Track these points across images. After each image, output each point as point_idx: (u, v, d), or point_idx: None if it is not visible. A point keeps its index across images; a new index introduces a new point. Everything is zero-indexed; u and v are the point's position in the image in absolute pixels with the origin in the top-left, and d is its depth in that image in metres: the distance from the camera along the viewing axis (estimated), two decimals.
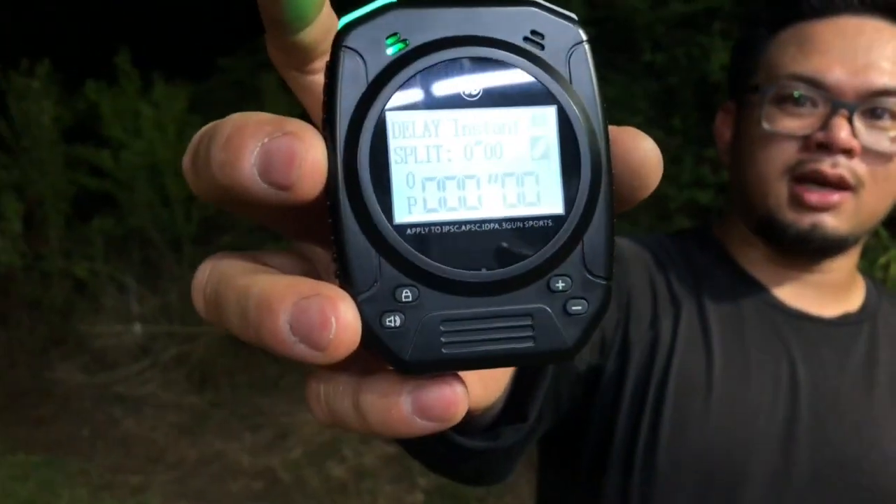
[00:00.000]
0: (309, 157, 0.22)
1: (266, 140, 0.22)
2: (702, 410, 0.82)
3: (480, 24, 0.24)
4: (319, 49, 0.28)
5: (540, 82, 0.24)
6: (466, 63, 0.24)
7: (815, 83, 0.83)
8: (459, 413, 0.25)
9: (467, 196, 0.24)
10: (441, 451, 0.41)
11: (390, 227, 0.23)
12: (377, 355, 0.24)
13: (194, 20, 7.71)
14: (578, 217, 0.24)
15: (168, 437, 4.27)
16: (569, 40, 0.25)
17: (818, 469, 0.81)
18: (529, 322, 0.24)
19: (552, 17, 0.25)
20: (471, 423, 0.42)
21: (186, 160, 0.27)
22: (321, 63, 0.27)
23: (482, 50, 0.24)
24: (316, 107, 0.28)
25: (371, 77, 0.23)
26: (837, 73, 0.82)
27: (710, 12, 4.01)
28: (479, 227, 0.24)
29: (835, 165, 0.81)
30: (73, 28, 8.06)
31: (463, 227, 0.24)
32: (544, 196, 0.24)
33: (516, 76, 0.24)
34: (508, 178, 0.24)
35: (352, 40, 0.24)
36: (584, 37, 0.25)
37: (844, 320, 0.91)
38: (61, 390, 5.00)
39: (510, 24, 0.24)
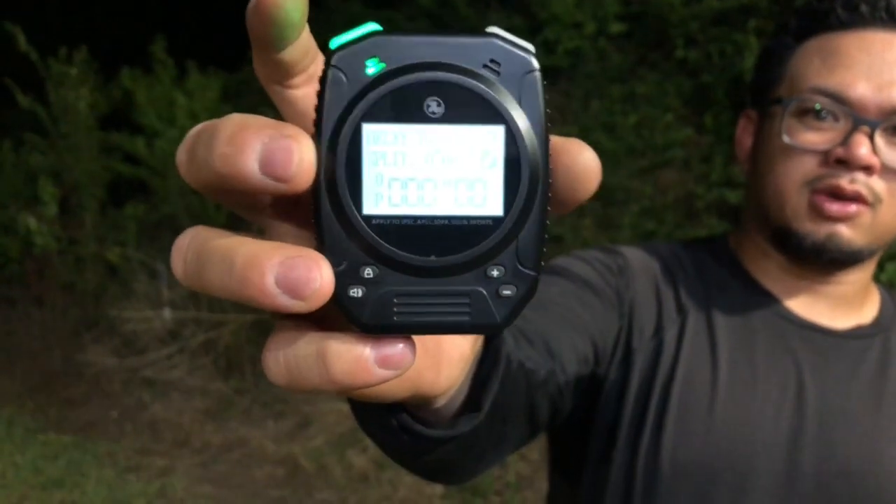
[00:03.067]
0: (305, 156, 0.27)
1: (268, 140, 0.27)
2: (706, 418, 0.82)
3: (447, 51, 0.29)
4: (299, 67, 0.31)
5: (492, 104, 0.28)
6: (432, 85, 0.28)
7: (837, 98, 0.82)
8: (408, 363, 0.29)
9: (425, 195, 0.28)
10: (405, 440, 0.43)
11: (359, 218, 0.28)
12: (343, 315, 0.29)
13: (228, 11, 7.77)
14: (515, 219, 0.29)
15: (194, 421, 4.34)
16: (522, 68, 0.29)
17: (823, 480, 0.80)
18: (467, 300, 0.29)
19: (510, 47, 0.29)
20: (432, 416, 0.44)
21: (182, 152, 0.30)
22: (300, 79, 0.32)
23: (446, 75, 0.28)
24: (294, 117, 0.32)
25: (352, 93, 0.28)
26: (861, 89, 0.81)
27: (745, 9, 3.95)
28: (432, 221, 0.29)
29: (853, 181, 0.81)
30: (110, 17, 8.18)
31: (418, 221, 0.29)
32: (489, 200, 0.29)
33: (473, 98, 0.28)
34: (460, 182, 0.29)
35: (338, 60, 0.28)
36: (536, 66, 0.29)
37: (856, 333, 0.90)
38: (92, 373, 5.10)
39: (472, 52, 0.29)
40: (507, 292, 0.30)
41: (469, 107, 0.28)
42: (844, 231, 0.83)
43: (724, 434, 0.81)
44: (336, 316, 0.30)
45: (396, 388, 0.35)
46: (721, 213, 3.82)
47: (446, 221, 0.29)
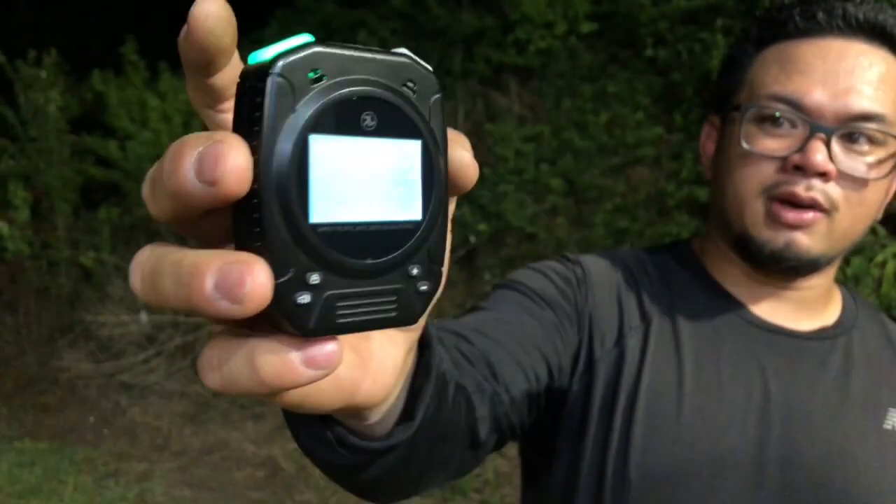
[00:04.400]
0: (231, 157, 0.27)
1: (201, 148, 0.28)
2: (673, 425, 0.82)
3: (377, 68, 0.30)
4: (229, 91, 0.32)
5: (412, 120, 0.31)
6: (368, 100, 0.30)
7: (794, 104, 0.83)
8: (336, 363, 0.31)
9: (362, 203, 0.30)
10: (342, 454, 0.44)
11: (308, 226, 0.29)
12: (284, 323, 0.30)
13: None
14: (429, 222, 0.32)
15: (172, 425, 4.33)
16: (432, 89, 0.32)
17: (789, 485, 0.80)
18: (395, 297, 0.32)
19: (421, 70, 0.32)
20: (368, 431, 0.45)
21: (145, 186, 0.31)
22: (230, 104, 0.33)
23: (379, 91, 0.30)
24: None
25: (298, 102, 0.28)
26: (817, 96, 0.82)
27: (712, 9, 4.01)
28: (367, 227, 0.30)
29: (809, 188, 0.81)
30: (80, 18, 8.08)
31: (357, 227, 0.30)
32: (412, 206, 0.32)
33: (398, 114, 0.31)
34: (390, 190, 0.31)
35: (283, 69, 0.28)
36: (439, 87, 0.32)
37: (819, 335, 0.91)
38: (68, 378, 5.06)
39: (395, 71, 0.31)
40: (423, 287, 0.33)
41: (395, 122, 0.31)
42: (802, 239, 0.83)
43: (691, 440, 0.81)
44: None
45: (330, 396, 0.36)
46: (692, 211, 3.89)
47: (379, 226, 0.31)
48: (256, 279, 0.27)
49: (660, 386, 0.84)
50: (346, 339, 0.34)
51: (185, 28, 0.30)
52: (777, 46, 0.87)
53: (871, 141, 0.83)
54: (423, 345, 0.48)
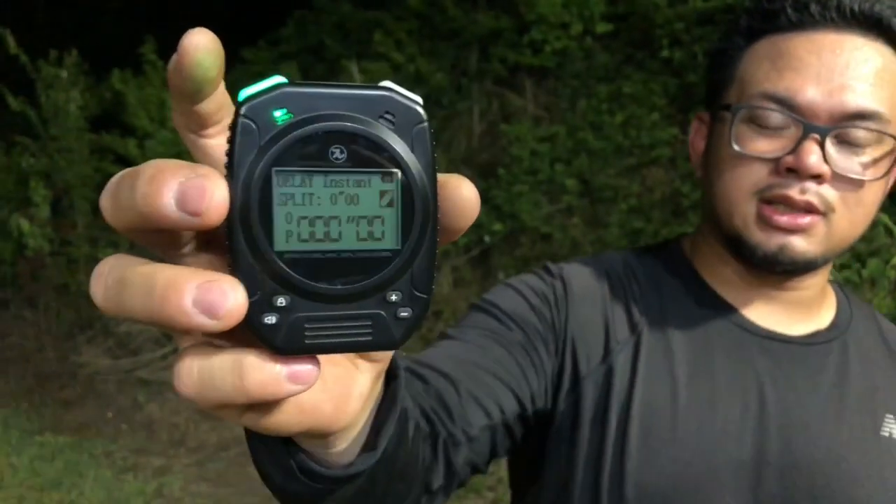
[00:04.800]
0: (216, 193, 0.30)
1: (183, 179, 0.29)
2: (669, 440, 0.79)
3: (348, 103, 0.32)
4: (213, 119, 0.34)
5: (388, 151, 0.32)
6: (335, 134, 0.31)
7: (787, 104, 0.79)
8: (314, 380, 0.33)
9: (330, 231, 0.32)
10: (302, 482, 0.43)
11: (272, 253, 0.31)
12: (257, 340, 0.32)
13: (217, 11, 7.78)
14: (410, 251, 0.33)
15: (189, 421, 4.38)
16: (414, 119, 0.33)
17: (790, 494, 0.78)
18: (370, 322, 0.33)
19: (402, 100, 0.33)
20: (330, 459, 0.44)
21: (106, 197, 0.32)
22: (213, 130, 0.35)
23: (348, 125, 0.31)
24: (206, 162, 0.35)
25: (263, 140, 0.31)
26: (810, 94, 0.78)
27: (728, 9, 4.01)
28: (338, 254, 0.32)
29: (803, 191, 0.78)
30: (100, 18, 8.17)
31: (326, 254, 0.32)
32: (387, 234, 0.33)
33: (372, 146, 0.32)
34: (362, 219, 0.32)
35: (248, 111, 0.31)
36: (425, 117, 0.33)
37: (814, 339, 0.87)
38: (86, 374, 5.13)
39: (370, 105, 0.32)
40: (403, 314, 0.34)
41: (369, 153, 0.32)
42: (798, 242, 0.80)
43: (689, 455, 0.78)
44: (247, 337, 0.33)
45: (291, 418, 0.36)
46: None
47: (351, 254, 0.32)
48: (236, 299, 0.30)
49: (654, 401, 0.81)
50: None
51: (174, 57, 0.31)
52: (768, 40, 0.83)
53: (867, 141, 0.79)
54: (391, 375, 0.47)
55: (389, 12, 5.21)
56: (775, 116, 0.80)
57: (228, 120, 0.34)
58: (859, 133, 0.79)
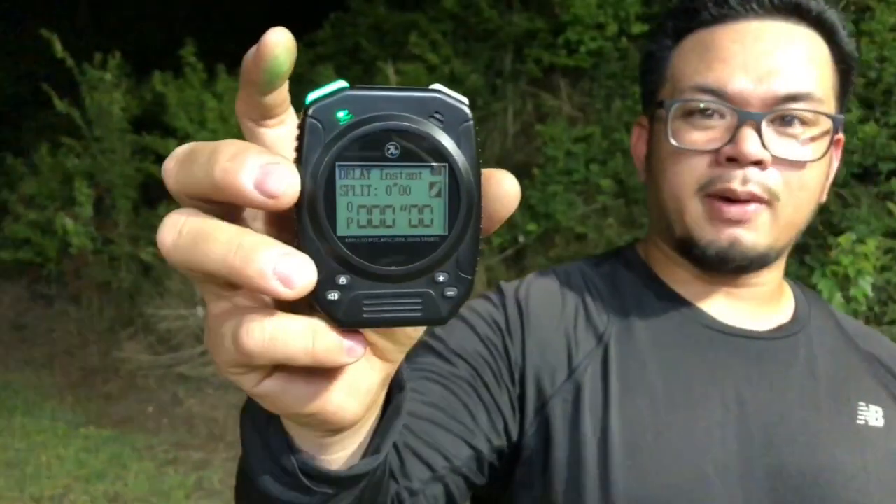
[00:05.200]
0: (293, 181, 0.33)
1: (265, 163, 0.33)
2: (653, 453, 0.77)
3: (402, 105, 0.35)
4: (275, 111, 0.37)
5: (437, 147, 0.35)
6: (391, 132, 0.35)
7: (718, 94, 0.79)
8: (362, 355, 0.36)
9: (385, 218, 0.35)
10: (302, 484, 0.44)
11: (335, 237, 0.35)
12: (320, 313, 0.36)
13: (255, 14, 7.89)
14: (456, 236, 0.36)
15: (228, 416, 4.46)
16: (460, 118, 0.36)
17: (779, 494, 0.76)
18: (420, 300, 0.36)
19: (450, 101, 0.36)
20: (329, 467, 0.45)
21: (173, 162, 0.35)
22: (273, 121, 0.38)
23: (401, 124, 0.35)
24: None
25: (327, 138, 0.34)
26: (740, 82, 0.78)
27: None
28: (392, 239, 0.35)
29: (745, 182, 0.78)
30: (141, 21, 8.33)
31: (382, 239, 0.35)
32: (436, 221, 0.36)
33: (423, 142, 0.35)
34: (413, 208, 0.36)
35: (315, 112, 0.34)
36: (470, 116, 0.36)
37: (780, 333, 0.87)
38: (128, 369, 5.25)
39: (422, 105, 0.35)
40: (450, 293, 0.37)
41: (420, 149, 0.35)
42: (746, 236, 0.80)
43: (676, 465, 0.76)
44: (297, 308, 0.36)
45: (304, 396, 0.39)
46: None
47: (403, 239, 0.35)
48: (310, 274, 0.33)
49: (633, 412, 0.79)
50: None
51: (254, 49, 0.34)
52: (694, 36, 0.84)
53: (803, 122, 0.80)
54: (396, 387, 0.48)
55: (425, 14, 5.26)
56: (709, 107, 0.80)
57: (286, 114, 0.38)
58: (794, 114, 0.79)
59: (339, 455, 0.45)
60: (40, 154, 6.37)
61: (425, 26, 5.12)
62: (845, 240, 3.07)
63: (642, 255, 0.94)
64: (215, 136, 5.24)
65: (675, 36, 0.86)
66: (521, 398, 0.81)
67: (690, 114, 0.82)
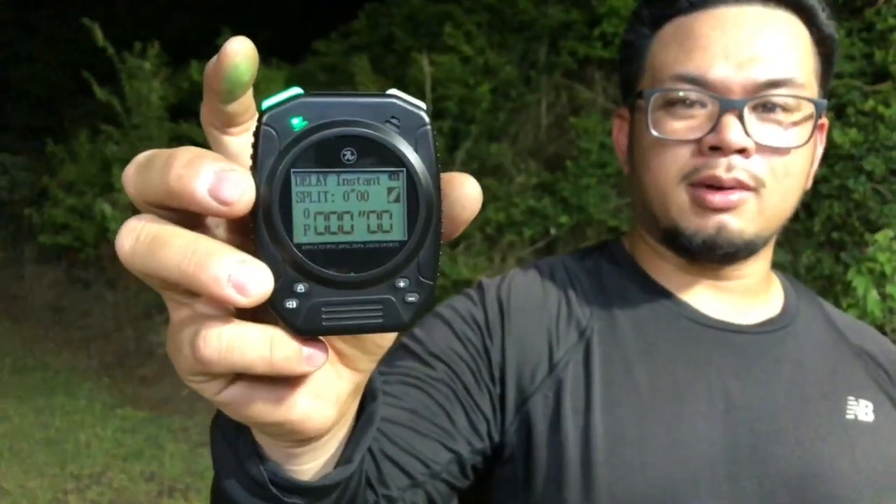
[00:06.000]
0: (246, 188, 0.33)
1: (219, 170, 0.32)
2: (637, 449, 0.75)
3: (357, 110, 0.35)
4: (238, 119, 0.37)
5: (394, 152, 0.35)
6: (346, 138, 0.35)
7: (699, 82, 0.78)
8: (322, 363, 0.36)
9: (343, 225, 0.35)
10: (271, 495, 0.43)
11: (291, 245, 0.35)
12: (278, 321, 0.36)
13: (290, 4, 7.95)
14: (416, 241, 0.36)
15: None
16: (417, 123, 0.36)
17: (767, 492, 0.75)
18: (381, 307, 0.36)
19: (407, 106, 0.36)
20: (299, 477, 0.44)
21: (133, 169, 0.35)
22: (236, 129, 0.38)
23: (357, 130, 0.35)
24: (223, 156, 0.37)
25: (282, 145, 0.34)
26: (721, 70, 0.77)
27: None
28: (350, 245, 0.35)
29: (730, 168, 0.76)
30: (179, 9, 8.44)
31: (340, 245, 0.35)
32: (395, 227, 0.36)
33: (379, 147, 0.35)
34: (371, 213, 0.35)
35: (269, 119, 0.34)
36: (427, 121, 0.36)
37: (768, 327, 0.85)
38: (163, 353, 5.35)
39: (377, 110, 0.35)
40: (411, 298, 0.36)
41: (377, 154, 0.35)
42: (732, 222, 0.78)
43: (661, 461, 0.74)
44: (252, 315, 0.36)
45: (271, 408, 0.38)
46: None
47: (362, 245, 0.35)
48: (265, 282, 0.33)
49: (617, 407, 0.77)
50: None
51: (214, 58, 0.34)
52: (672, 24, 0.83)
53: (785, 108, 0.78)
54: (369, 397, 0.47)
55: (460, 5, 5.26)
56: (690, 96, 0.79)
57: (250, 121, 0.38)
58: (776, 101, 0.78)
59: (310, 466, 0.44)
60: (80, 141, 6.50)
61: (460, 17, 5.13)
62: (882, 236, 3.04)
63: (628, 248, 0.92)
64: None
65: (653, 24, 0.85)
66: (502, 397, 0.79)
67: (671, 103, 0.80)
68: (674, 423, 0.76)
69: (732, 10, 0.80)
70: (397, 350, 0.81)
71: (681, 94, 0.79)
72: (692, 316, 0.84)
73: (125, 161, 5.57)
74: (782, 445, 0.77)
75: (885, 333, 2.57)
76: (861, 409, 0.81)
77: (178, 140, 5.98)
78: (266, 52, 5.69)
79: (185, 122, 5.79)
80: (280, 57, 5.93)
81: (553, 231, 4.36)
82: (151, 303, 5.90)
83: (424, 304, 0.37)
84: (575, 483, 0.74)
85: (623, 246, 0.92)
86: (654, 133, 0.80)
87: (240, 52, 0.34)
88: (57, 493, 3.52)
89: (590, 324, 0.83)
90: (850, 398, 0.82)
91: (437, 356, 0.78)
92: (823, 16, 0.82)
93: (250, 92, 0.36)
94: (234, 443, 0.44)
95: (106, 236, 6.03)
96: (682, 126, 0.79)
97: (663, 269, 0.87)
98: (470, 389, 0.77)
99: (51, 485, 3.60)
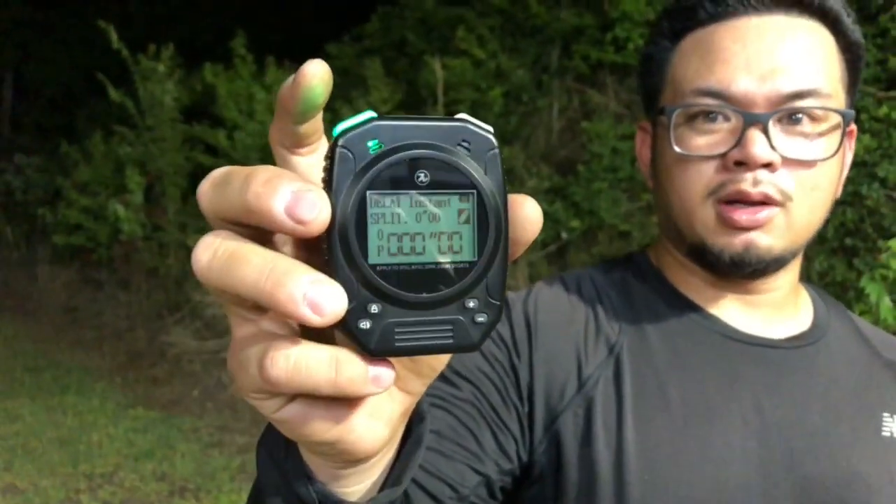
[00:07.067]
0: (324, 209, 0.33)
1: (296, 189, 0.33)
2: (672, 467, 0.73)
3: (430, 134, 0.36)
4: (308, 140, 0.38)
5: (465, 175, 0.36)
6: (420, 160, 0.36)
7: (721, 96, 0.76)
8: (389, 385, 0.36)
9: (416, 246, 0.36)
10: None
11: (367, 266, 0.35)
12: (350, 342, 0.36)
13: (305, 7, 7.98)
14: (485, 262, 0.37)
15: None
16: (487, 146, 0.37)
17: None
18: (451, 327, 0.37)
19: (477, 130, 0.37)
20: (347, 499, 0.44)
21: (208, 184, 0.36)
22: (305, 150, 0.38)
23: (430, 152, 0.36)
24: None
25: (358, 167, 0.35)
26: (744, 83, 0.75)
27: None
28: (422, 266, 0.36)
29: (756, 183, 0.75)
30: (192, 13, 8.48)
31: (412, 266, 0.36)
32: (464, 248, 0.36)
33: (451, 170, 0.36)
34: (442, 235, 0.36)
35: (346, 142, 0.35)
36: (496, 144, 0.37)
37: (799, 341, 0.83)
38: (174, 353, 5.38)
39: (450, 134, 0.36)
40: (480, 319, 0.37)
41: (449, 176, 0.36)
42: (761, 239, 0.77)
43: (695, 479, 0.73)
44: (323, 336, 0.37)
45: (328, 427, 0.38)
46: None
47: (433, 266, 0.36)
48: (340, 302, 0.33)
49: (650, 425, 0.75)
50: None
51: (291, 79, 0.34)
52: (693, 36, 0.81)
53: (811, 118, 0.76)
54: (416, 419, 0.47)
55: (472, 8, 5.27)
56: (712, 111, 0.77)
57: (318, 143, 0.38)
58: (800, 113, 0.76)
59: (356, 488, 0.44)
60: (94, 142, 6.55)
61: (473, 21, 5.13)
62: None
63: (654, 261, 0.90)
64: (263, 127, 5.33)
65: (673, 37, 0.83)
66: (530, 415, 0.78)
67: (694, 118, 0.79)
68: (707, 441, 0.75)
69: (753, 20, 0.78)
70: None
71: (703, 109, 0.77)
72: (722, 330, 0.82)
73: (138, 162, 5.59)
74: (817, 463, 0.75)
75: None
76: None
77: (191, 142, 6.01)
78: (278, 55, 5.72)
79: (199, 124, 5.82)
80: (292, 60, 5.95)
81: (564, 235, 4.36)
82: (163, 303, 5.94)
83: (493, 325, 0.37)
84: (607, 502, 0.73)
85: (649, 259, 0.91)
86: (678, 150, 0.79)
87: (317, 76, 0.34)
88: (69, 492, 3.55)
89: (619, 339, 0.81)
90: (885, 415, 0.80)
91: (463, 376, 0.77)
92: (849, 21, 0.80)
93: (321, 114, 0.37)
94: (282, 463, 0.44)
95: (118, 237, 6.07)
96: (706, 141, 0.78)
97: (691, 282, 0.85)
98: (497, 409, 0.76)
99: (63, 484, 3.62)
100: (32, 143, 8.62)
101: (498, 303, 0.37)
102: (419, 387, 0.42)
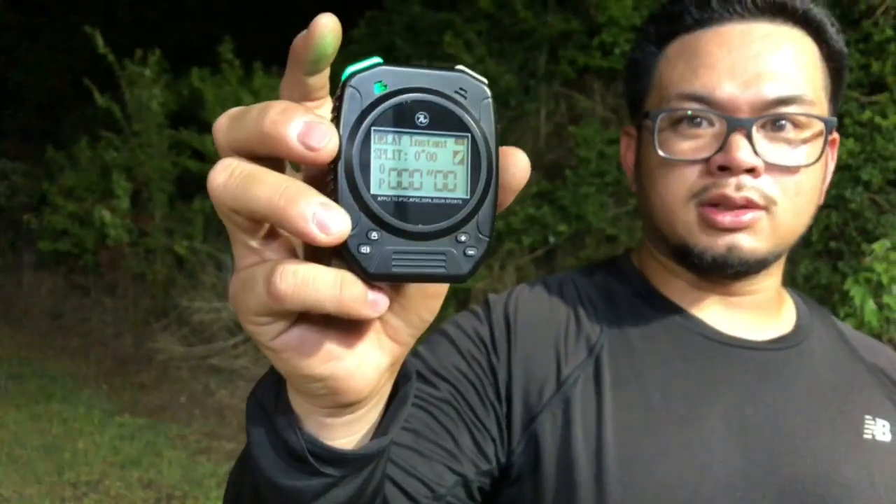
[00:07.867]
0: (333, 138, 0.36)
1: (309, 119, 0.35)
2: (651, 471, 0.73)
3: (431, 80, 0.39)
4: (317, 93, 0.40)
5: (461, 119, 0.39)
6: (421, 103, 0.38)
7: (705, 101, 0.77)
8: (384, 309, 0.39)
9: (414, 181, 0.38)
10: (310, 467, 0.44)
11: (369, 195, 0.38)
12: (351, 266, 0.38)
13: (291, 14, 7.96)
14: (476, 200, 0.39)
15: None
16: (481, 95, 0.39)
17: None
18: (444, 258, 0.39)
19: (472, 80, 0.40)
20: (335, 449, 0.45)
21: (225, 117, 0.38)
22: (314, 103, 0.40)
23: (430, 97, 0.39)
24: None
25: (364, 105, 0.38)
26: (728, 88, 0.76)
27: None
28: (419, 199, 0.38)
29: (740, 188, 0.75)
30: (179, 18, 8.46)
31: (410, 199, 0.38)
32: (458, 186, 0.39)
33: (449, 114, 0.39)
34: (439, 173, 0.39)
35: (355, 82, 0.38)
36: (489, 94, 0.40)
37: (782, 343, 0.83)
38: (161, 360, 5.36)
39: (448, 82, 0.39)
40: (470, 252, 0.40)
41: (446, 120, 0.39)
42: (744, 241, 0.77)
43: (675, 483, 0.73)
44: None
45: (323, 359, 0.40)
46: None
47: (429, 200, 0.39)
48: (345, 223, 0.36)
49: (629, 425, 0.75)
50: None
51: (304, 32, 0.37)
52: (678, 41, 0.82)
53: (795, 125, 0.77)
54: (402, 379, 0.48)
55: (459, 14, 5.28)
56: (696, 115, 0.78)
57: (324, 99, 0.41)
58: (784, 119, 0.77)
59: (344, 440, 0.46)
60: (80, 147, 6.51)
61: (460, 26, 5.14)
62: (879, 246, 3.04)
63: (637, 263, 0.91)
64: None
65: (659, 42, 0.84)
66: (509, 416, 0.78)
67: (678, 122, 0.79)
68: (688, 443, 0.75)
69: (738, 27, 0.79)
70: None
71: (688, 112, 0.78)
72: (704, 332, 0.83)
73: (124, 168, 5.57)
74: (798, 466, 0.75)
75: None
76: (878, 429, 0.80)
77: (178, 147, 5.99)
78: (265, 60, 5.72)
79: (185, 130, 5.80)
80: (280, 65, 5.93)
81: (552, 239, 4.37)
82: (150, 309, 5.91)
83: (482, 259, 0.40)
84: (586, 503, 0.73)
85: (632, 261, 0.92)
86: (662, 154, 0.79)
87: (328, 26, 0.36)
88: (54, 501, 3.51)
89: (599, 340, 0.82)
90: (868, 417, 0.80)
91: (442, 376, 0.77)
92: (833, 31, 0.81)
93: (328, 69, 0.39)
94: (272, 411, 0.45)
95: (105, 243, 6.04)
96: (690, 146, 0.78)
97: (674, 285, 0.86)
98: (475, 409, 0.76)
99: (48, 492, 3.59)
100: (18, 149, 8.56)
101: (487, 238, 0.40)
102: (408, 337, 0.44)
